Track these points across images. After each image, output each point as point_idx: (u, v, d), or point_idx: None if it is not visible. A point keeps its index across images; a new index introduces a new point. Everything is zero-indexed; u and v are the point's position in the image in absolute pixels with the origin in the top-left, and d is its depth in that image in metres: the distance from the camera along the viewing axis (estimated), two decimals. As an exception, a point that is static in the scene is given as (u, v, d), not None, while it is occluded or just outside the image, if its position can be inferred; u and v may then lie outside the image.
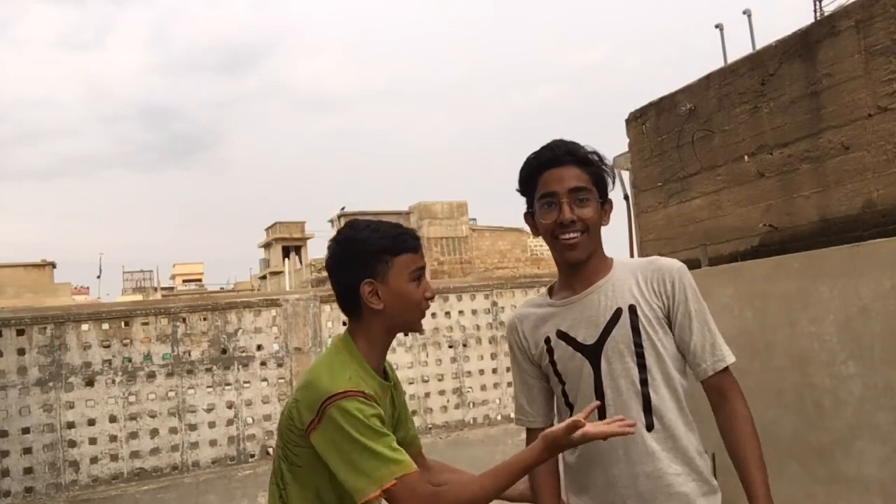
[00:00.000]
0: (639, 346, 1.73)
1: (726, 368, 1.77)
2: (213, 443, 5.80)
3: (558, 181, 1.77)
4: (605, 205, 1.83)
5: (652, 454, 1.73)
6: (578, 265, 1.80)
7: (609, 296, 1.77)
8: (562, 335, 1.81)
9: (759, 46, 5.46)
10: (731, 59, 6.49)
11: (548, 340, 1.83)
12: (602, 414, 1.73)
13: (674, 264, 1.81)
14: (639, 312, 1.74)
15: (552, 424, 1.88)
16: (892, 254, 3.71)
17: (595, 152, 1.83)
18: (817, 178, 4.38)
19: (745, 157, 4.89)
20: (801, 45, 4.42)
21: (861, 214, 4.09)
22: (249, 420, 5.97)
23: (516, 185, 1.89)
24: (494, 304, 7.05)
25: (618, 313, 1.75)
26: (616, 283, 1.78)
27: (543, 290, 1.95)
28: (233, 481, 5.72)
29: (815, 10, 9.54)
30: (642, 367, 1.73)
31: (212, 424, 5.81)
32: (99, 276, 57.08)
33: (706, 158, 5.27)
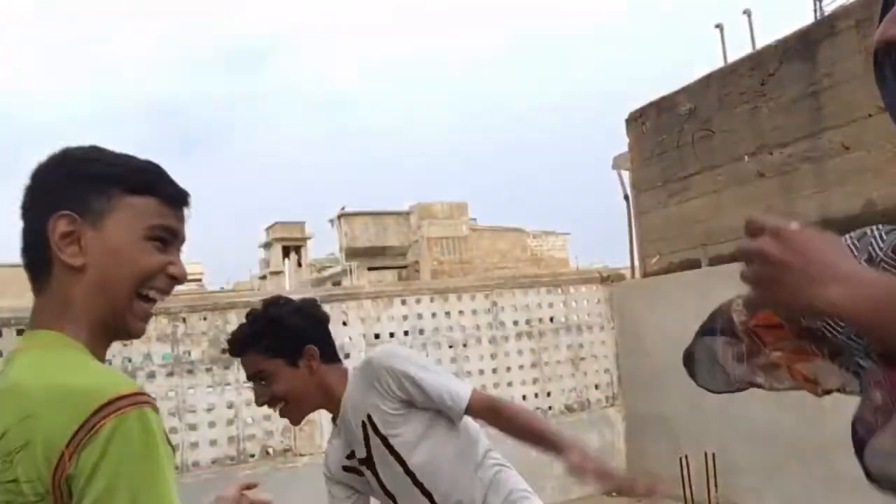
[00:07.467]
0: (390, 448, 1.85)
1: (471, 397, 1.85)
2: (213, 442, 5.79)
3: (245, 368, 1.91)
4: (301, 358, 1.86)
5: None
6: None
7: (352, 413, 1.88)
8: (349, 456, 1.95)
9: (759, 46, 5.46)
10: (731, 59, 6.49)
11: (350, 460, 1.96)
12: None
13: (378, 358, 1.89)
14: (375, 419, 1.85)
15: None
16: (892, 254, 3.71)
17: (264, 318, 1.86)
18: (817, 178, 4.38)
19: (745, 157, 4.89)
20: (801, 45, 4.42)
21: (861, 214, 4.09)
22: (249, 420, 5.96)
23: None
24: (494, 303, 7.03)
25: (364, 426, 1.87)
26: (352, 399, 1.89)
27: None
28: (233, 481, 5.72)
29: (815, 10, 9.53)
30: (402, 462, 1.85)
31: (212, 424, 5.81)
32: None
33: (706, 158, 5.26)
